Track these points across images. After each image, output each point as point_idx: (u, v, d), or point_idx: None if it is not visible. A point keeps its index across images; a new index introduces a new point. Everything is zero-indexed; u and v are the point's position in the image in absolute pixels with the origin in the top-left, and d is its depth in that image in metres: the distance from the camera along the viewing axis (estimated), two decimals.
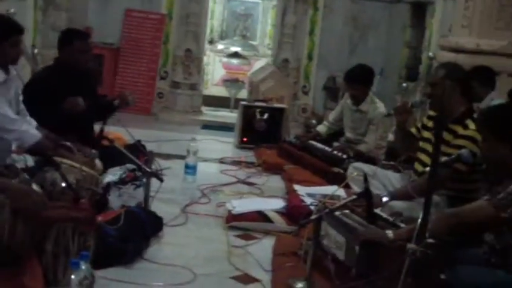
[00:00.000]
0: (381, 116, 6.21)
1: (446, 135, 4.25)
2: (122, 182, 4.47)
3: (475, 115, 4.29)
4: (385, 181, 4.77)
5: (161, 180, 4.50)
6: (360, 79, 6.31)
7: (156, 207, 4.48)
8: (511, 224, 3.27)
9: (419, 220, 2.86)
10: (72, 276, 2.85)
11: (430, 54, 7.97)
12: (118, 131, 5.63)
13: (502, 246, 3.37)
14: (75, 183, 3.86)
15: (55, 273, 3.26)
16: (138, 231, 3.92)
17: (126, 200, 4.37)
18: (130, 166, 4.64)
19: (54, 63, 5.12)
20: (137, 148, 5.33)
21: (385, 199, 4.22)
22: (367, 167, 4.90)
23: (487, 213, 3.26)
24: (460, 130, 4.20)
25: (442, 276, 3.30)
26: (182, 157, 5.86)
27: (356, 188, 4.64)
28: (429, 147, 4.40)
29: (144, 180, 4.49)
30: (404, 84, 8.77)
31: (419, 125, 4.65)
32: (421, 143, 4.53)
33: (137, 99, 9.16)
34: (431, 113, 4.55)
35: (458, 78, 4.32)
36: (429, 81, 4.52)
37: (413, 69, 8.96)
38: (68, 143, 4.34)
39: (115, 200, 4.33)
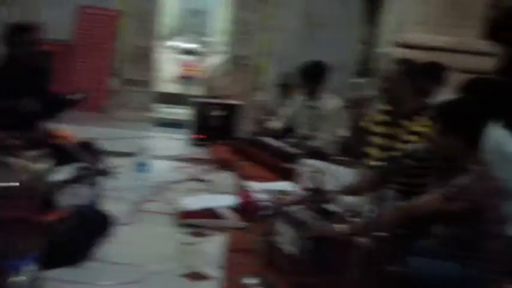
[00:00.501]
0: (334, 111, 6.24)
1: (397, 131, 4.30)
2: (72, 180, 4.40)
3: (426, 111, 4.34)
4: (337, 175, 4.79)
5: (113, 178, 4.44)
6: (313, 75, 6.33)
7: (107, 205, 4.42)
8: (461, 217, 3.32)
9: (370, 214, 2.87)
10: (19, 278, 2.79)
11: (383, 50, 8.04)
12: (69, 129, 5.53)
13: (450, 238, 3.41)
14: (23, 182, 3.78)
15: (1, 275, 3.18)
16: (88, 230, 3.84)
17: (76, 199, 4.30)
18: (81, 164, 4.56)
19: (3, 60, 5.01)
20: (88, 146, 5.25)
21: (336, 195, 4.24)
22: (318, 163, 4.92)
23: (438, 206, 3.30)
24: (412, 126, 4.25)
25: (391, 269, 3.33)
26: (134, 155, 5.79)
27: (308, 184, 4.64)
28: (381, 142, 4.44)
29: (95, 178, 4.43)
30: (357, 80, 8.83)
31: (371, 120, 4.68)
32: (373, 138, 4.56)
33: (89, 97, 9.10)
34: (383, 107, 4.58)
35: (413, 75, 4.37)
36: (385, 75, 4.55)
37: (366, 65, 9.03)
38: (17, 142, 4.25)
39: (65, 199, 4.25)
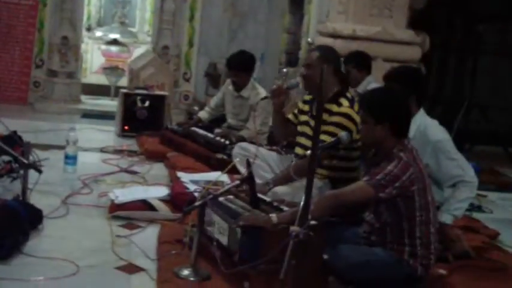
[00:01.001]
0: (261, 102, 6.28)
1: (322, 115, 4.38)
2: None
3: (348, 94, 4.43)
4: (271, 162, 4.83)
5: (39, 172, 4.36)
6: (241, 66, 6.35)
7: (35, 199, 4.33)
8: (389, 203, 3.40)
9: (302, 203, 2.90)
10: None
11: (309, 39, 8.12)
12: None
13: (380, 225, 3.49)
14: None
15: None
16: (16, 225, 3.75)
17: (2, 193, 4.23)
18: (5, 158, 4.46)
19: None
20: (13, 139, 5.12)
21: (268, 185, 4.29)
22: (253, 148, 4.94)
23: (366, 193, 3.38)
24: (335, 108, 4.34)
25: (325, 257, 3.39)
26: (61, 147, 5.70)
27: (242, 169, 4.66)
28: (307, 130, 4.52)
29: (21, 172, 4.34)
30: (284, 70, 8.87)
31: (295, 111, 4.74)
32: (299, 127, 4.63)
33: (12, 89, 8.90)
34: (307, 97, 4.65)
35: (332, 60, 4.45)
36: (304, 63, 4.60)
37: (293, 55, 9.10)
38: None
39: None
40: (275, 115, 4.74)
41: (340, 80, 4.46)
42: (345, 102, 4.33)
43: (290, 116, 4.73)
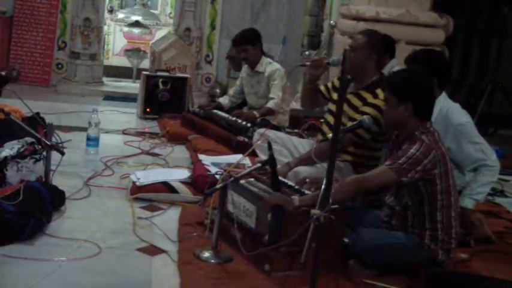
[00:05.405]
0: (279, 71, 6.26)
1: (355, 101, 4.34)
2: (20, 156, 4.32)
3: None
4: (291, 146, 4.83)
5: (62, 153, 4.37)
6: (244, 38, 6.35)
7: (57, 181, 4.36)
8: (410, 187, 3.39)
9: (323, 186, 2.90)
10: None
11: (332, 22, 8.08)
12: (15, 104, 5.42)
13: (401, 209, 3.48)
14: None
15: None
16: (39, 206, 3.79)
17: (25, 174, 4.24)
18: (28, 139, 4.48)
19: None
20: (36, 121, 5.17)
21: (290, 166, 4.29)
22: (272, 133, 4.93)
23: (389, 178, 3.37)
24: (370, 98, 4.29)
25: (346, 240, 3.39)
26: (84, 129, 5.73)
27: (262, 156, 4.66)
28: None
29: (44, 153, 4.36)
30: (307, 52, 8.87)
31: (329, 85, 4.70)
32: (330, 105, 4.62)
33: (34, 71, 8.94)
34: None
35: (378, 49, 4.38)
36: (349, 44, 4.51)
37: (315, 37, 9.07)
38: None
39: (13, 175, 4.19)
40: (307, 86, 4.68)
41: (380, 69, 4.43)
42: (381, 94, 4.25)
43: (322, 88, 4.69)
